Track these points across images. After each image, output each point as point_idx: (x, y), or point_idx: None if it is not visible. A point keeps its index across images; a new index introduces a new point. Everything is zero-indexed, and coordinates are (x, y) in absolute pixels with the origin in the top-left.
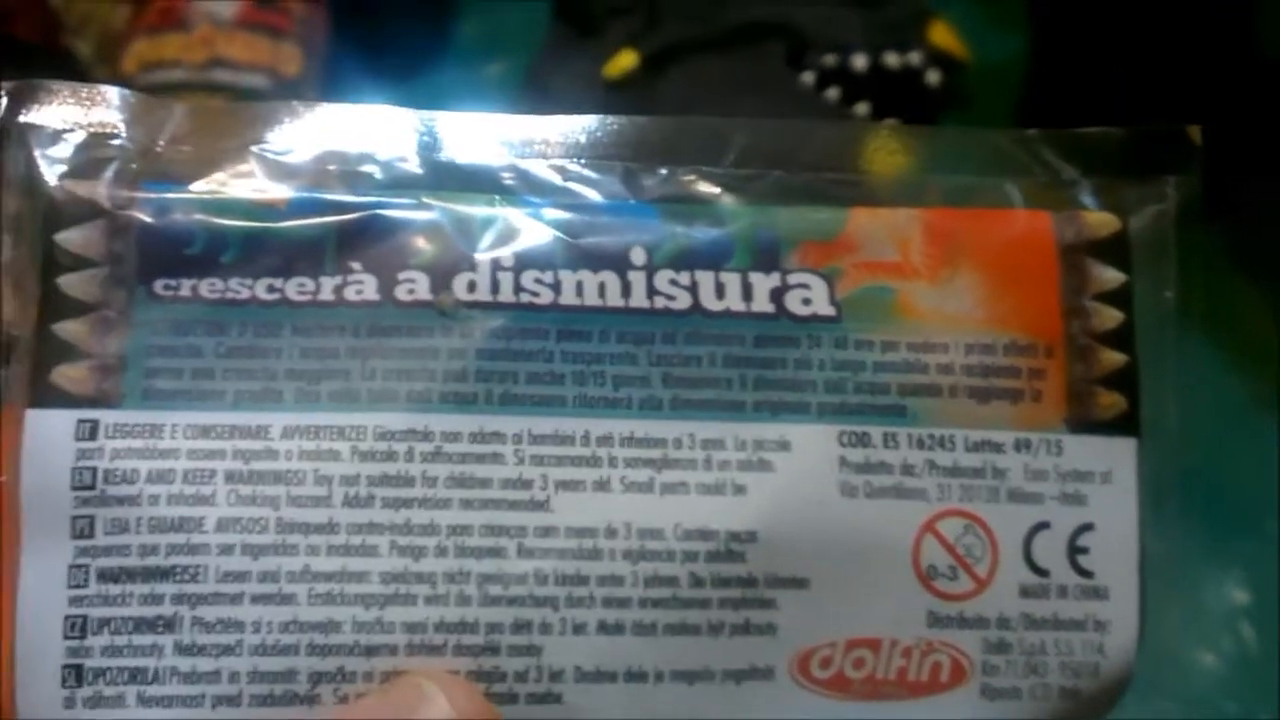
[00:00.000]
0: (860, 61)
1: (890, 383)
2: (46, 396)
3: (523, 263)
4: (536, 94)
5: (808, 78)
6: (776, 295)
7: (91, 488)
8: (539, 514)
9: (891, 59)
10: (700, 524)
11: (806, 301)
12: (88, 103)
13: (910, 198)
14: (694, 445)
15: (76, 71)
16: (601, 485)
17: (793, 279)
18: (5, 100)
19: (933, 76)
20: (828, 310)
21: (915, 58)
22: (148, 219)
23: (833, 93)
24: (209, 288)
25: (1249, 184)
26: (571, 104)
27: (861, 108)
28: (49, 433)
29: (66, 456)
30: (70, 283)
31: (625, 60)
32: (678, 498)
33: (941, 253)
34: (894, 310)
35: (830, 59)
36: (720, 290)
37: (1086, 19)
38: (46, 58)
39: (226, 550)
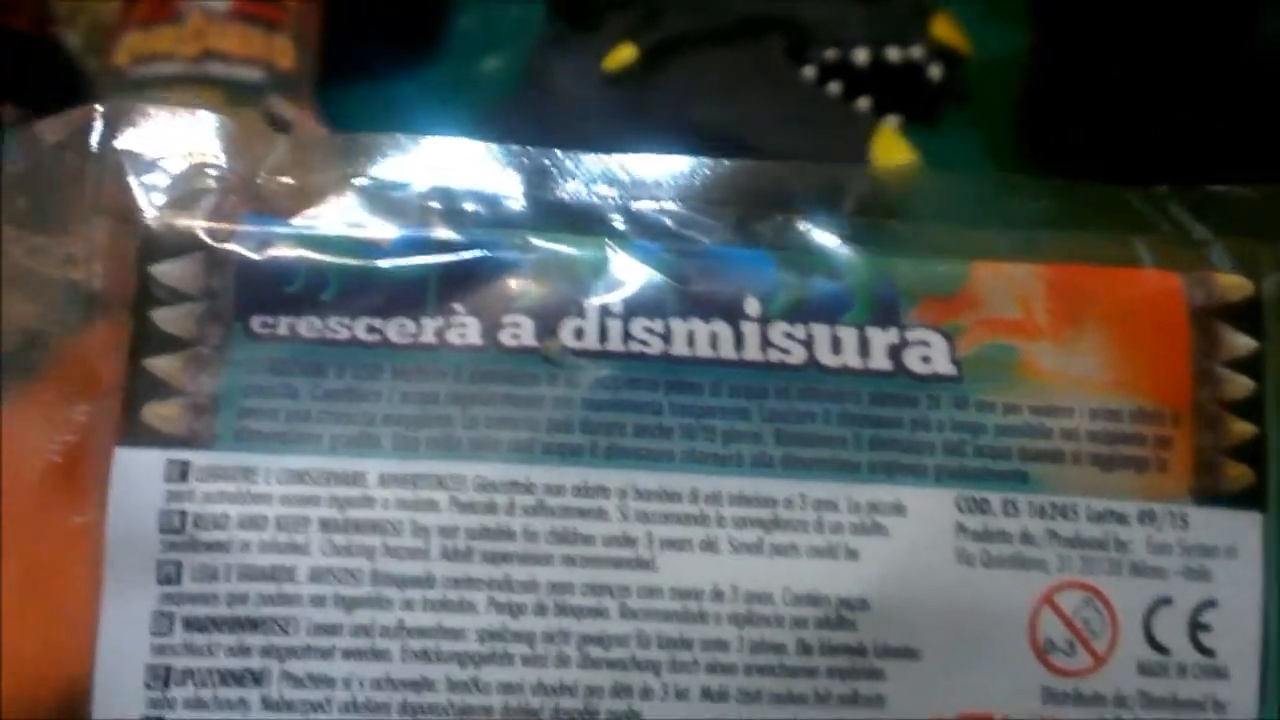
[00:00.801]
0: (862, 56)
1: (1011, 447)
2: (136, 435)
3: (632, 309)
4: (534, 89)
5: (809, 72)
6: (895, 352)
7: (180, 531)
8: (643, 573)
9: (893, 53)
10: (810, 589)
11: (926, 359)
12: (185, 128)
13: (1032, 252)
14: (805, 506)
15: (66, 63)
16: (709, 545)
17: (912, 335)
18: (100, 123)
19: (935, 71)
20: (948, 369)
21: (917, 52)
22: (248, 253)
23: (834, 87)
24: (308, 326)
25: None
26: (569, 99)
27: (863, 103)
28: (138, 473)
29: (155, 498)
30: (165, 317)
31: (624, 54)
32: (787, 560)
33: (1066, 311)
34: (1016, 370)
35: (832, 53)
36: (836, 345)
37: (1088, 14)
38: (36, 48)
39: (319, 602)
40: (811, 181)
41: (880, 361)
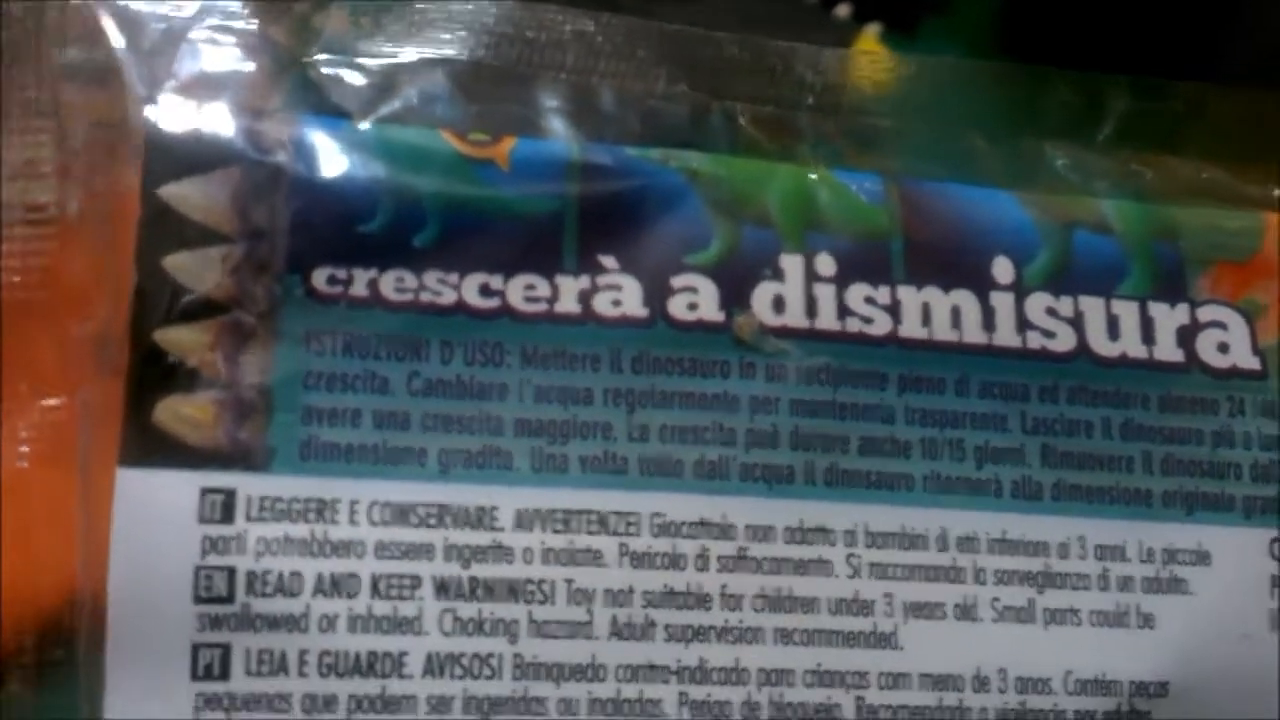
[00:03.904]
0: None
1: None
2: (148, 448)
3: (847, 270)
4: None
5: None
6: (1186, 337)
7: (227, 600)
8: (884, 653)
9: None
10: (1097, 670)
11: (1224, 348)
12: None
13: None
14: (1086, 554)
15: None
16: (966, 611)
17: (1205, 314)
18: None
19: None
20: (1250, 362)
21: None
22: (304, 171)
23: None
24: (396, 285)
25: None
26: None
27: (843, 10)
28: (155, 507)
29: (185, 547)
30: (183, 264)
31: None
32: (1066, 631)
33: None
34: None
35: None
36: (1113, 326)
37: None
38: None
39: (442, 706)
40: (1062, 92)
41: (1170, 351)
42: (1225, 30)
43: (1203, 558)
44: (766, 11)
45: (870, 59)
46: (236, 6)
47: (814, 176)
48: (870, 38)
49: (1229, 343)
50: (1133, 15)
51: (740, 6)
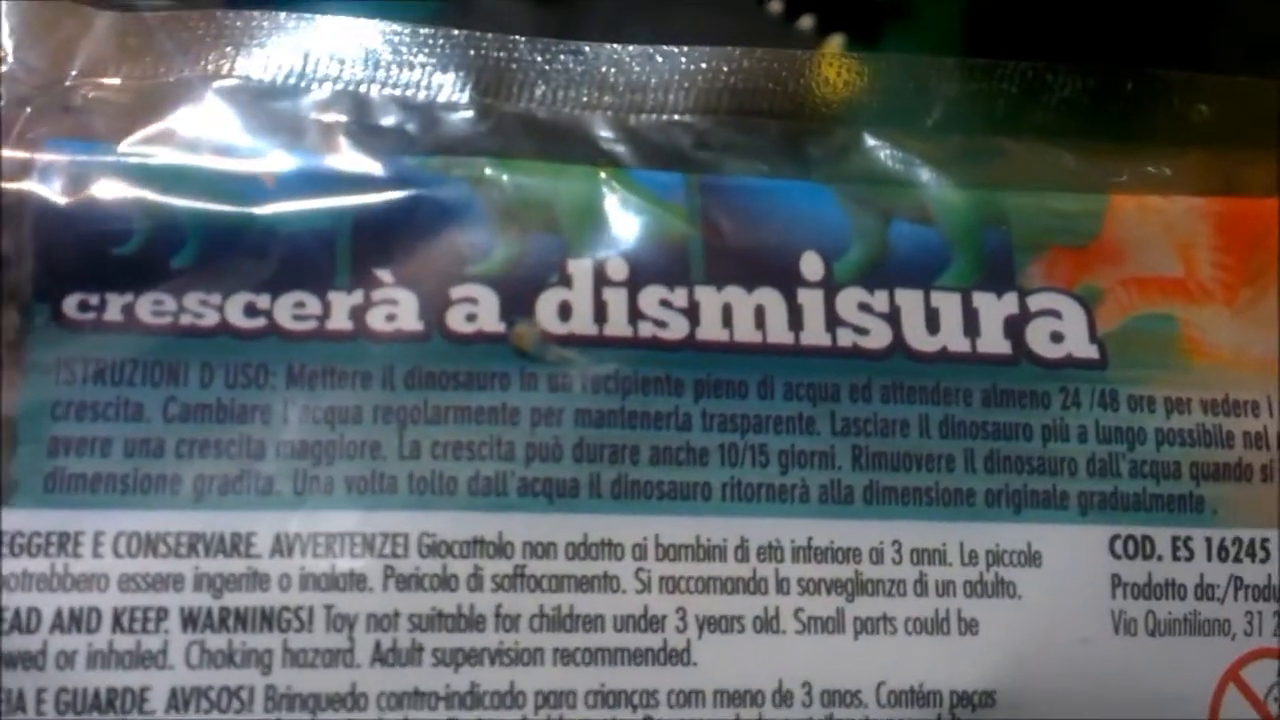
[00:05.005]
0: None
1: (1179, 462)
2: None
3: (640, 274)
4: (457, 14)
5: None
6: (1014, 328)
7: None
8: (676, 670)
9: None
10: (913, 680)
11: (1057, 338)
12: None
13: (1188, 181)
14: (901, 558)
15: None
16: (768, 623)
17: (1035, 303)
18: None
19: None
20: (1087, 351)
21: None
22: (53, 197)
23: (776, 5)
24: (153, 309)
25: None
26: (495, 14)
27: (806, 21)
28: None
29: None
30: None
31: None
32: (879, 640)
33: (1242, 264)
34: (1178, 350)
35: None
36: (932, 320)
37: None
38: None
39: None
40: (885, 79)
41: (995, 343)
42: (1198, 25)
43: (1033, 558)
44: (730, 24)
45: None
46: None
47: (605, 177)
48: (834, 47)
49: (1063, 332)
50: (1097, 14)
51: (703, 20)
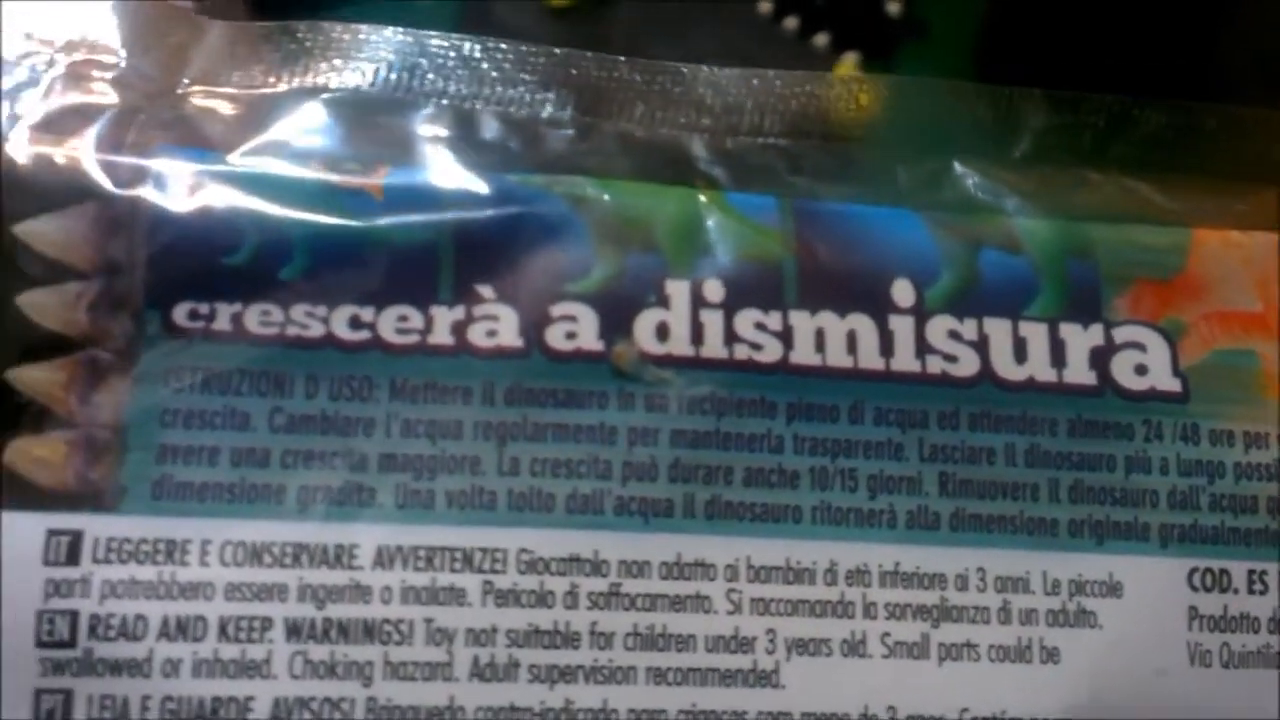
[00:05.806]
0: None
1: (1257, 496)
2: None
3: (736, 296)
4: (475, 23)
5: (765, 7)
6: (1100, 359)
7: (69, 644)
8: (765, 692)
9: None
10: (996, 708)
11: (1141, 370)
12: (66, 9)
13: (1265, 216)
14: (985, 586)
15: None
16: (854, 647)
17: (1121, 335)
18: None
19: (893, 6)
20: (1170, 384)
21: None
22: (165, 204)
23: (790, 22)
24: (261, 319)
25: None
26: (512, 36)
27: (820, 39)
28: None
29: (29, 591)
30: (36, 302)
31: None
32: (963, 667)
33: None
34: (1257, 386)
35: None
36: (1020, 349)
37: None
38: None
39: None
40: (972, 107)
41: (1081, 374)
42: (1208, 48)
43: (1114, 589)
44: (745, 43)
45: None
46: (106, 39)
47: (704, 199)
48: (849, 65)
49: (1147, 364)
50: (1113, 35)
51: (719, 36)
